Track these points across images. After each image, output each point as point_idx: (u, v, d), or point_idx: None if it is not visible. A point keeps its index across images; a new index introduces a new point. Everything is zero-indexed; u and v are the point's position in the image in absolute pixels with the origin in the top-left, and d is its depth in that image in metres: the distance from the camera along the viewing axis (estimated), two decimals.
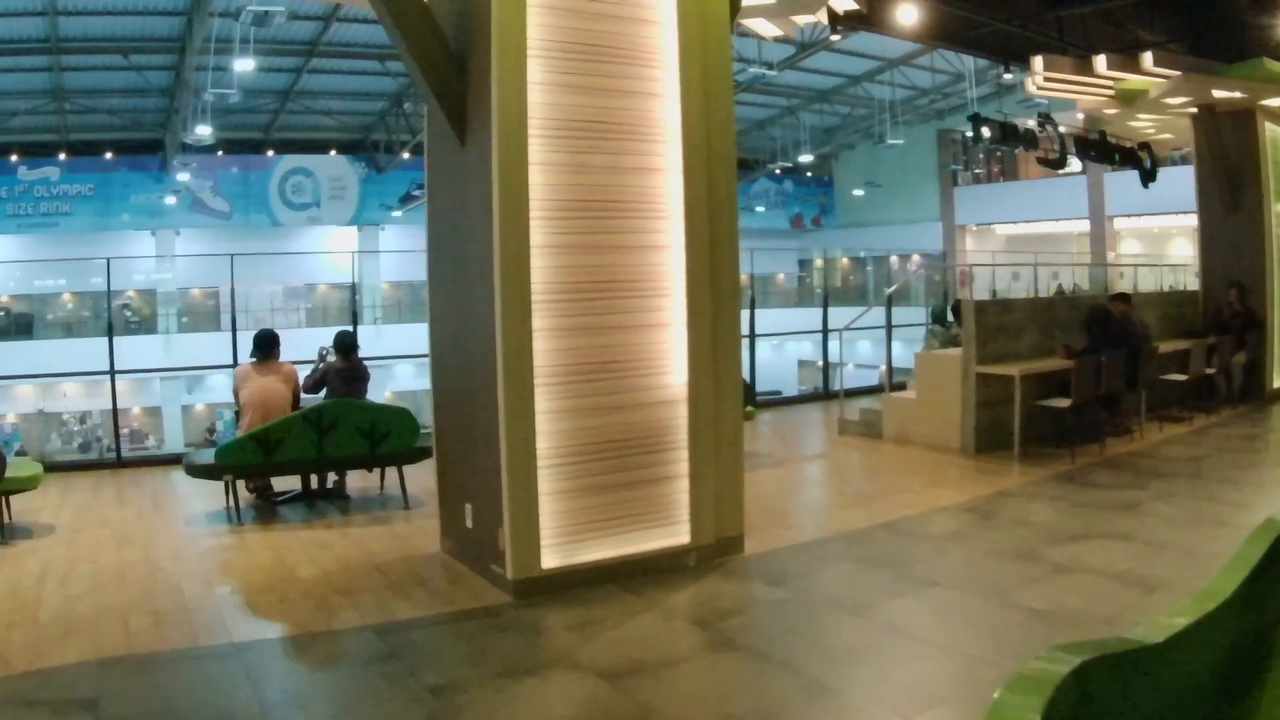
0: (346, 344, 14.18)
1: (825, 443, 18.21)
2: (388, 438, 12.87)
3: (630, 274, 9.36)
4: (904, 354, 20.95)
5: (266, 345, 13.49)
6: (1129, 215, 46.99)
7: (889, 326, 19.13)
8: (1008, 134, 23.85)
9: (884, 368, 47.36)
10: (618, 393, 9.45)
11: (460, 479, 10.17)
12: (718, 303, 9.87)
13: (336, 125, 47.26)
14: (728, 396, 10.11)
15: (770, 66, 39.84)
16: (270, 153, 48.06)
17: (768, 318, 52.20)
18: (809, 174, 61.19)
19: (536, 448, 8.98)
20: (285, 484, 13.69)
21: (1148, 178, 25.10)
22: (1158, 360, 17.20)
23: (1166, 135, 24.63)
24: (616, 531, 9.42)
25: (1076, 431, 15.48)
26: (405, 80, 40.00)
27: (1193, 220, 43.50)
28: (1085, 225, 47.86)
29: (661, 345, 9.68)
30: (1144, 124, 22.95)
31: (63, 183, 45.20)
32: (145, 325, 45.88)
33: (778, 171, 58.42)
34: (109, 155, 44.77)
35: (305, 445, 12.55)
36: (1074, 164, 48.69)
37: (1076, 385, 14.79)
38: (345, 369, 13.84)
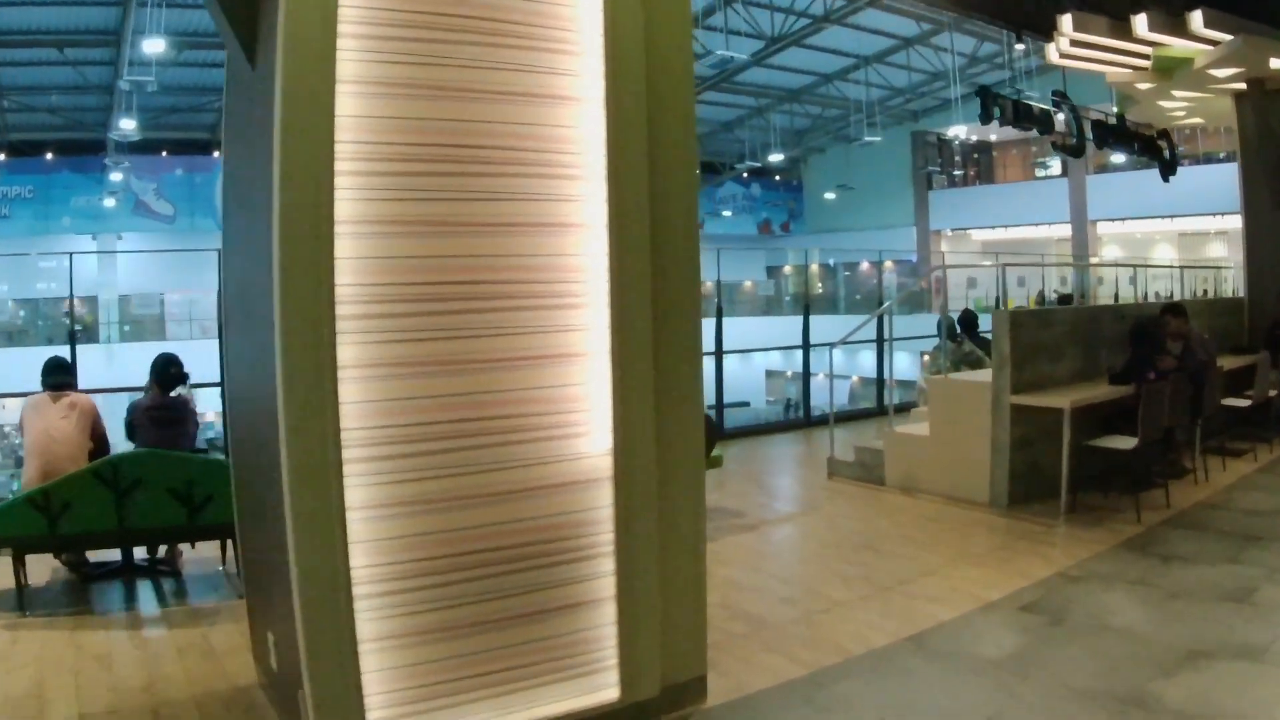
0: (166, 371, 9.93)
1: (811, 491, 13.91)
2: (209, 502, 8.74)
3: (517, 272, 5.46)
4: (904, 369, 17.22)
5: (52, 374, 9.57)
6: (1112, 220, 44.96)
7: (881, 341, 15.55)
8: (1021, 114, 20.00)
9: (856, 378, 44.85)
10: (496, 469, 5.48)
11: (264, 593, 6.22)
12: (665, 316, 5.87)
13: None
14: (680, 465, 6.07)
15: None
16: (217, 153, 43.68)
17: (735, 328, 50.86)
18: (778, 178, 58.66)
19: (351, 569, 5.05)
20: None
21: (1168, 170, 21.54)
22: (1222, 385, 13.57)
23: (1196, 120, 20.91)
24: (499, 691, 5.47)
25: (1142, 479, 11.71)
26: None
27: (1177, 225, 41.85)
28: (1066, 230, 45.67)
29: (570, 390, 5.68)
30: (1177, 104, 19.15)
31: (1, 184, 42.01)
32: (89, 334, 41.76)
33: (745, 176, 56.01)
34: (49, 156, 42.04)
35: (99, 511, 8.54)
36: (1054, 167, 48.29)
37: (1145, 420, 10.86)
38: (157, 406, 9.78)
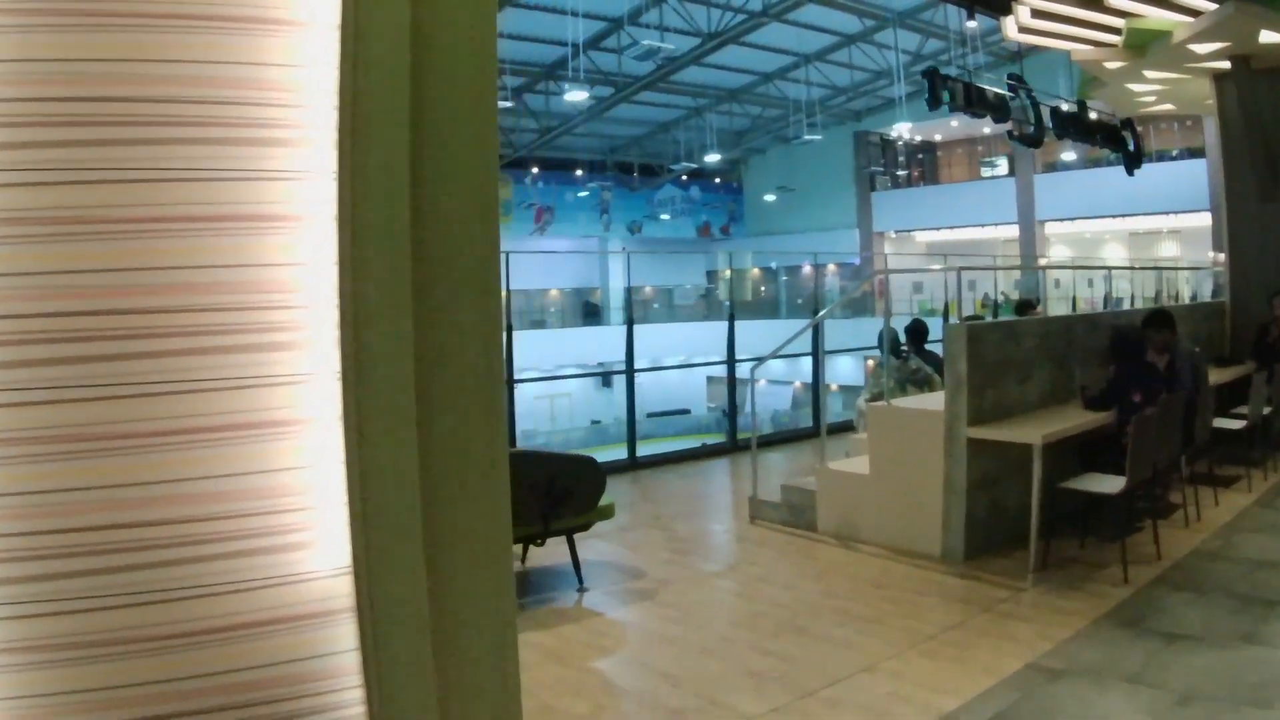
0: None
1: (729, 542, 11.42)
2: None
3: (192, 293, 3.01)
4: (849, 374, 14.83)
5: None
6: (1061, 220, 43.48)
7: (817, 354, 13.29)
8: (973, 98, 17.78)
9: (799, 384, 42.86)
10: (166, 599, 3.06)
11: None
12: (440, 354, 3.45)
13: None
14: (470, 577, 3.59)
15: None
16: None
17: (672, 334, 49.03)
18: (717, 180, 56.51)
19: None
20: None
21: (1133, 163, 19.31)
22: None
23: (1166, 107, 18.64)
24: None
25: (1127, 525, 9.40)
26: None
27: (1128, 225, 40.15)
28: (1013, 231, 44.08)
29: (280, 477, 3.20)
30: (1148, 88, 16.82)
31: None
32: None
33: (684, 178, 53.86)
34: None
35: None
36: (1001, 166, 46.68)
37: (1134, 457, 8.61)
38: None
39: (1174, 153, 38.07)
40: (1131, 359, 9.95)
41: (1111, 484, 8.74)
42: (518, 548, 9.00)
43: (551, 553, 9.57)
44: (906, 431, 9.59)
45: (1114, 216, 41.77)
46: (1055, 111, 18.38)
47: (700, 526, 12.60)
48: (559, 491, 8.42)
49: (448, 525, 3.54)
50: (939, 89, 17.23)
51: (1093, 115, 18.83)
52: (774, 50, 38.23)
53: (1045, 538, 8.95)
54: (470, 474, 3.60)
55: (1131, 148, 19.45)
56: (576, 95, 32.90)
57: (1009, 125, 18.42)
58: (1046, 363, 10.09)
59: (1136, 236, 43.71)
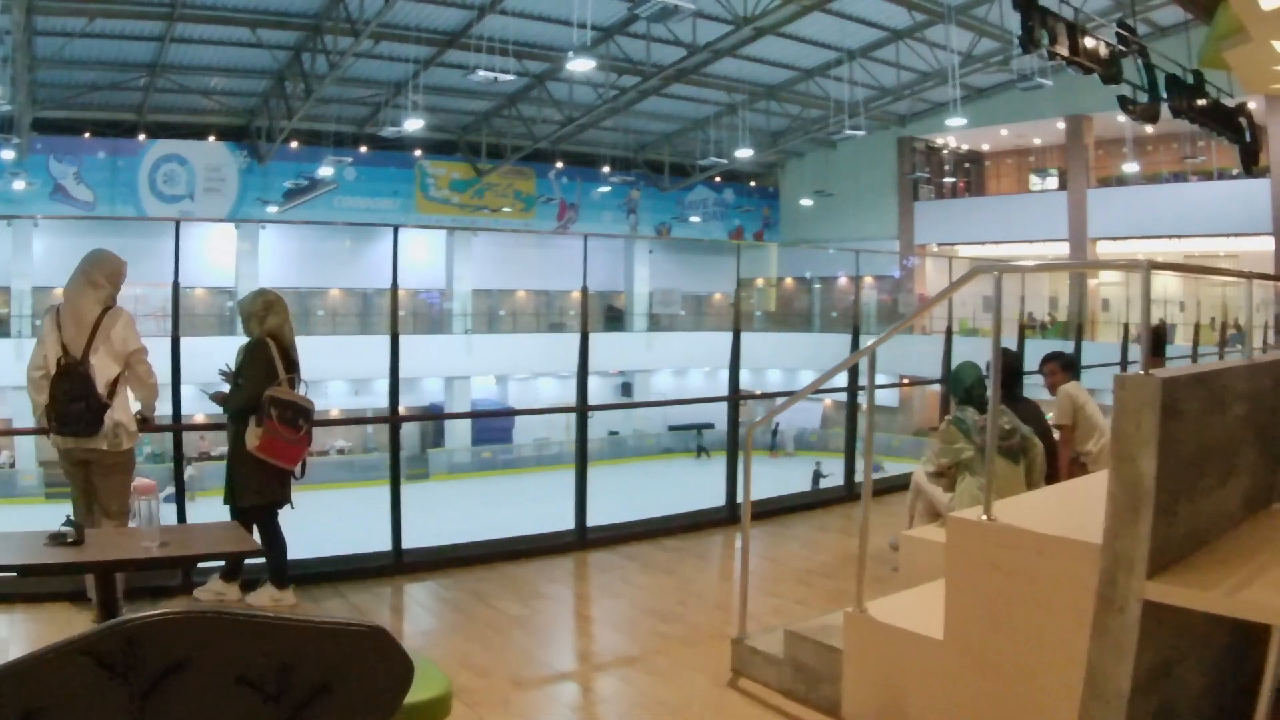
0: None
1: None
2: None
3: None
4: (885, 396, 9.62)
5: None
6: (1114, 239, 39.09)
7: (854, 397, 9.31)
8: (1078, 45, 13.11)
9: (829, 401, 38.59)
10: None
11: None
12: None
13: (217, 107, 39.33)
14: None
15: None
16: (142, 137, 39.55)
17: (697, 343, 45.01)
18: (752, 183, 52.45)
19: None
20: None
21: (1250, 158, 14.75)
22: None
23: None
24: None
25: None
26: (286, 55, 32.80)
27: (1182, 247, 36.05)
28: (1063, 249, 40.02)
29: None
30: None
31: None
32: (2, 327, 38.22)
33: (717, 179, 49.73)
34: None
35: None
36: (1051, 180, 42.57)
37: None
38: None
39: (1234, 172, 33.91)
40: None
41: None
42: None
43: None
44: (1016, 571, 4.86)
45: (1169, 237, 37.79)
46: (1173, 81, 13.72)
47: (643, 687, 6.48)
48: (299, 691, 3.66)
49: None
50: (1035, 26, 12.51)
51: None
52: (816, 44, 34.69)
53: None
54: None
55: (1248, 139, 14.85)
56: (582, 64, 28.69)
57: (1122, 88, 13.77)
58: (1252, 443, 5.35)
59: (1191, 259, 38.88)
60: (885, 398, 43.47)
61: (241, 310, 7.79)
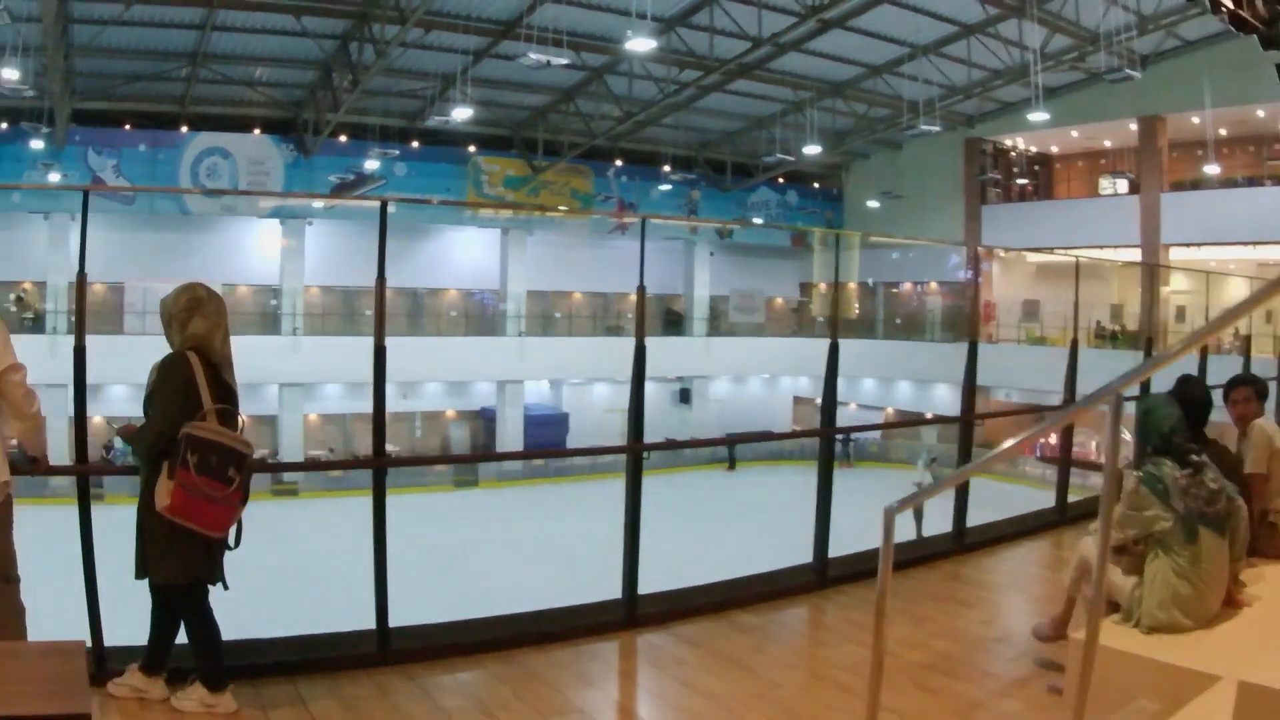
0: None
1: None
2: None
3: None
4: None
5: None
6: (1187, 245, 37.68)
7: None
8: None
9: (891, 410, 36.87)
10: None
11: None
12: None
13: (261, 99, 37.65)
14: None
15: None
16: (184, 129, 37.88)
17: (757, 349, 43.23)
18: (816, 185, 50.28)
19: None
20: None
21: None
22: None
23: None
24: None
25: None
26: (332, 44, 31.09)
27: (1257, 254, 34.24)
28: (1134, 255, 38.40)
29: None
30: None
31: None
32: (38, 323, 36.05)
33: (780, 180, 47.72)
34: (3, 125, 34.71)
35: None
36: (1122, 184, 40.49)
37: None
38: None
39: None
40: None
41: None
42: None
43: None
44: None
45: (1244, 244, 36.16)
46: None
47: None
48: None
49: None
50: None
51: None
52: (884, 38, 32.69)
53: None
54: None
55: None
56: (642, 44, 26.67)
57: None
58: None
59: (1266, 268, 37.04)
60: (948, 406, 41.71)
61: (161, 312, 5.40)
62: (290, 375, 36.81)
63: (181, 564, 5.13)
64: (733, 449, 42.50)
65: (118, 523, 5.47)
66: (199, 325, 5.26)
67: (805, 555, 8.05)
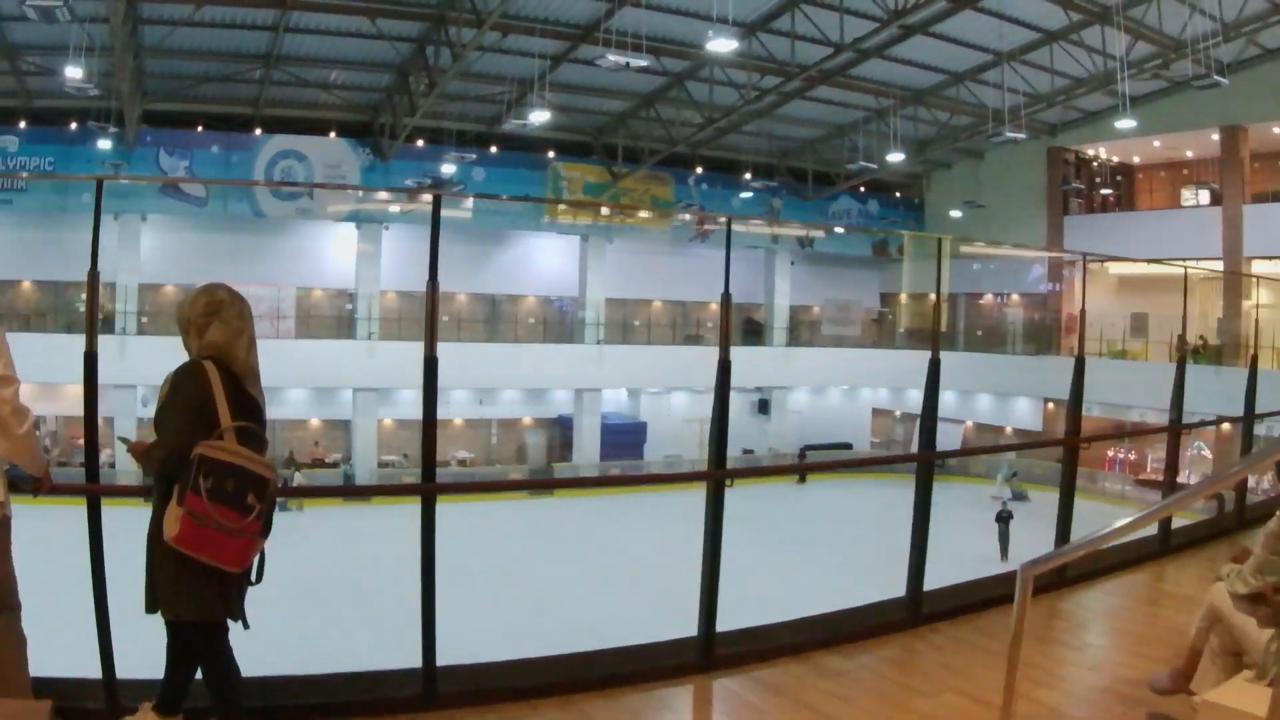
0: None
1: None
2: None
3: None
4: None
5: None
6: (1271, 257, 37.02)
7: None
8: None
9: (969, 424, 35.96)
10: None
11: None
12: None
13: (337, 102, 37.51)
14: None
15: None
16: (258, 131, 37.75)
17: (837, 359, 42.61)
18: (898, 194, 49.54)
19: None
20: None
21: None
22: None
23: None
24: None
25: None
26: (407, 46, 31.02)
27: None
28: (1217, 267, 36.64)
29: None
30: None
31: (20, 154, 35.02)
32: (108, 324, 35.27)
33: (861, 190, 47.01)
34: (73, 125, 34.37)
35: None
36: (1204, 195, 39.60)
37: None
38: None
39: None
40: None
41: None
42: None
43: None
44: None
45: None
46: None
47: None
48: None
49: None
50: None
51: None
52: (966, 45, 32.08)
53: None
54: None
55: None
56: (724, 45, 26.17)
57: None
58: None
59: None
60: (1028, 420, 41.08)
61: (178, 317, 4.70)
62: (365, 380, 36.59)
63: (194, 601, 4.41)
64: (802, 457, 41.83)
65: (136, 525, 4.74)
66: (218, 332, 4.56)
67: (879, 576, 7.36)
